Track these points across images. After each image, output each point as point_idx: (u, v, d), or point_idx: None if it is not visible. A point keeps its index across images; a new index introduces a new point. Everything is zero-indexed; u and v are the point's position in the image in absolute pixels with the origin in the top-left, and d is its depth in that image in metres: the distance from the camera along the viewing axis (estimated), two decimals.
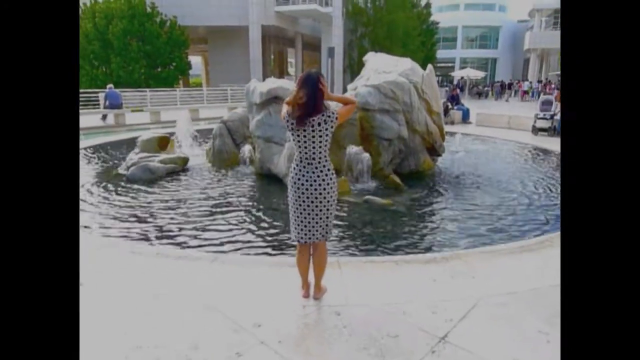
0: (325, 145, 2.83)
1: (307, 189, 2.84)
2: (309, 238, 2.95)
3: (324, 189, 2.83)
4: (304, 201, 2.87)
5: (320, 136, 2.78)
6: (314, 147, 2.81)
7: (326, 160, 2.87)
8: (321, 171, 2.84)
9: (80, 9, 24.39)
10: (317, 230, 2.93)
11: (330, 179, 2.86)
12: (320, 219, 2.89)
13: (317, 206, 2.86)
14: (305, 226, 2.93)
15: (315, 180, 2.82)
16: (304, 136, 2.79)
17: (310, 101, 2.73)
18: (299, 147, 2.85)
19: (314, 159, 2.83)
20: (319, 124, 2.76)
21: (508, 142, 12.03)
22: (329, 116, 2.77)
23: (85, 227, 4.97)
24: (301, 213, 2.91)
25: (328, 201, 2.87)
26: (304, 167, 2.86)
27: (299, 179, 2.87)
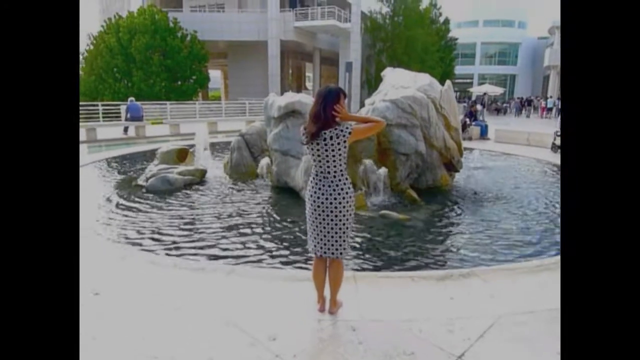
0: (340, 160, 2.81)
1: (322, 203, 2.84)
2: (324, 252, 2.95)
3: (340, 203, 2.82)
4: (319, 214, 2.87)
5: (333, 150, 2.77)
6: (327, 161, 2.81)
7: (342, 175, 2.85)
8: (337, 185, 2.83)
9: (104, 25, 25.15)
10: (332, 245, 2.91)
11: (347, 193, 2.84)
12: (336, 233, 2.88)
13: (332, 220, 2.85)
14: (321, 239, 2.93)
15: (330, 194, 2.82)
16: (317, 150, 2.81)
17: (321, 115, 2.75)
18: (314, 160, 2.88)
19: (329, 172, 2.83)
20: (331, 138, 2.76)
21: (527, 158, 11.88)
22: (341, 130, 2.76)
23: (103, 237, 5.05)
24: (317, 226, 2.92)
25: (344, 215, 2.85)
26: (320, 180, 2.87)
27: (314, 193, 2.88)
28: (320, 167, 2.85)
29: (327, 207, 2.83)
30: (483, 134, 16.43)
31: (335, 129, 2.76)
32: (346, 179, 2.87)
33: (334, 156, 2.79)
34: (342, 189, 2.83)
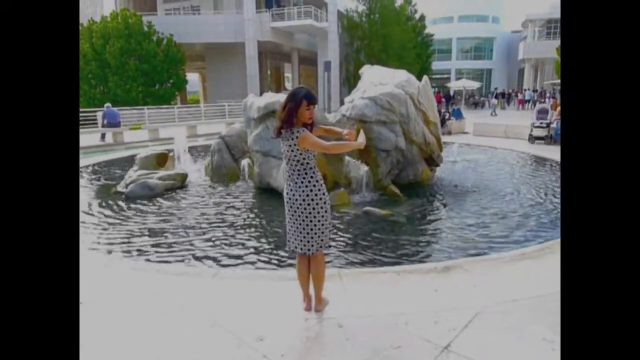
0: (298, 160, 2.85)
1: (290, 199, 2.92)
2: (296, 246, 3.00)
3: (304, 200, 2.86)
4: (288, 211, 2.96)
5: (288, 150, 2.85)
6: (289, 159, 2.89)
7: (306, 173, 2.88)
8: (302, 182, 2.87)
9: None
10: (301, 241, 2.95)
11: (311, 190, 2.87)
12: (304, 229, 2.92)
13: (299, 216, 2.90)
14: (292, 235, 2.99)
15: (295, 193, 2.88)
16: (282, 147, 2.91)
17: (283, 114, 2.83)
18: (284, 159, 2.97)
19: (293, 170, 2.90)
20: (286, 138, 2.84)
21: (505, 151, 12.07)
22: (292, 133, 2.81)
23: (85, 245, 4.96)
24: (288, 222, 3.00)
25: (311, 212, 2.88)
26: (289, 177, 2.95)
27: (284, 190, 2.99)
28: (286, 164, 2.95)
29: (294, 203, 2.89)
30: (456, 117, 17.47)
31: (289, 130, 2.81)
32: (311, 177, 2.89)
33: (289, 155, 2.86)
34: (306, 186, 2.87)
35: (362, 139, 3.04)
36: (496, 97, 32.30)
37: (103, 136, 16.44)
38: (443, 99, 31.69)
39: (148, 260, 4.47)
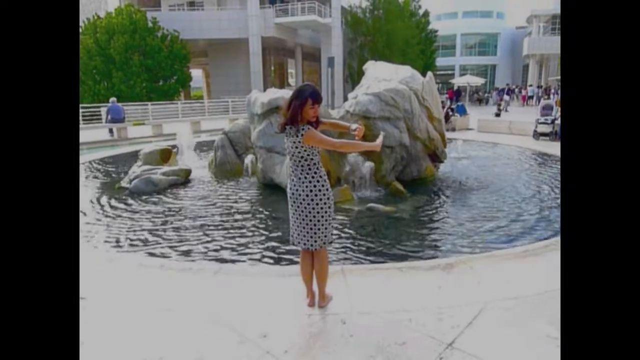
0: (302, 156, 2.85)
1: (293, 195, 2.92)
2: (299, 242, 3.01)
3: (307, 196, 2.87)
4: (291, 207, 2.98)
5: (292, 147, 2.85)
6: (293, 155, 2.89)
7: (309, 169, 2.88)
8: (305, 178, 2.87)
9: (82, 25, 24.64)
10: (304, 236, 2.96)
11: (314, 186, 2.87)
12: (307, 224, 2.92)
13: (303, 212, 2.91)
14: (295, 231, 3.01)
15: (297, 189, 2.89)
16: (286, 143, 2.91)
17: (288, 111, 2.83)
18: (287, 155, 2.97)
19: (296, 167, 2.91)
20: (290, 135, 2.84)
21: (509, 147, 12.01)
22: (297, 130, 2.80)
23: (89, 240, 4.98)
24: (291, 218, 3.02)
25: (314, 208, 2.88)
26: (291, 174, 2.96)
27: (288, 185, 2.99)
28: (290, 159, 2.95)
29: (297, 199, 2.90)
30: (460, 113, 17.27)
31: (294, 127, 2.81)
32: (315, 172, 2.89)
33: (292, 151, 2.87)
34: (310, 182, 2.87)
35: (379, 141, 3.03)
36: (508, 93, 31.70)
37: (111, 130, 16.47)
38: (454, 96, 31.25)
39: (151, 255, 4.48)
